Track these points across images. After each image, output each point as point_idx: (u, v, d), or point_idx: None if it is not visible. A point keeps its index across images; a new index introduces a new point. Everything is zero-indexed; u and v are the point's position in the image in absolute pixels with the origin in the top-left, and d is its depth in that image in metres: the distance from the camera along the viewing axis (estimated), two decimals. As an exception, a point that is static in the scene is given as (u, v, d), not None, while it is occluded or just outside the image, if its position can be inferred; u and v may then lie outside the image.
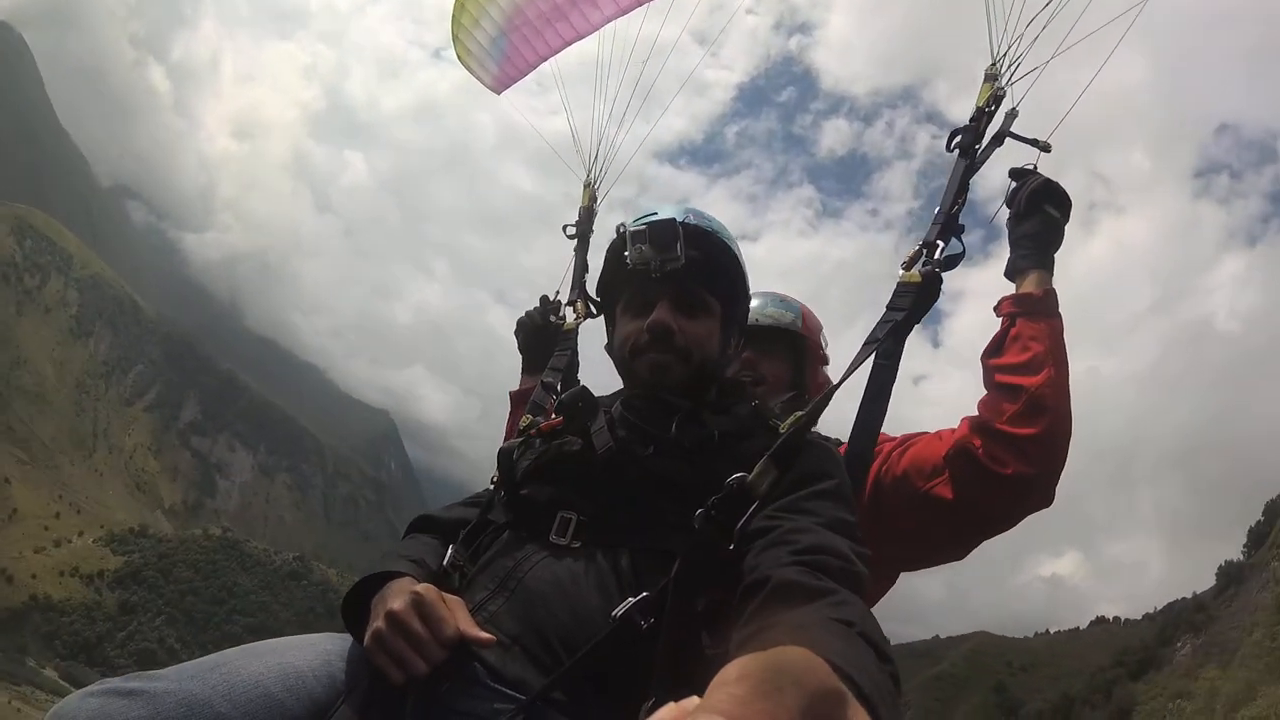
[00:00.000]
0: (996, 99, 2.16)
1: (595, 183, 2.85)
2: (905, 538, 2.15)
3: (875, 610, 2.01)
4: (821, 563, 1.30)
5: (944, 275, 2.01)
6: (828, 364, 2.72)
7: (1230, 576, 78.38)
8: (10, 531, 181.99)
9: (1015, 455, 1.97)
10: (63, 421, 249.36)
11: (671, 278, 1.84)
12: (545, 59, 3.22)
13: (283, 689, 1.44)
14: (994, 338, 2.12)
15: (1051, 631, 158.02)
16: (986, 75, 2.19)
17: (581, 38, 3.07)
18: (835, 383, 1.85)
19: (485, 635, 1.47)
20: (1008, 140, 2.17)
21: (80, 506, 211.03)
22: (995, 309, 2.16)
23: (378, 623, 1.48)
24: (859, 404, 1.96)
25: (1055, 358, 2.02)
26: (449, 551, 1.73)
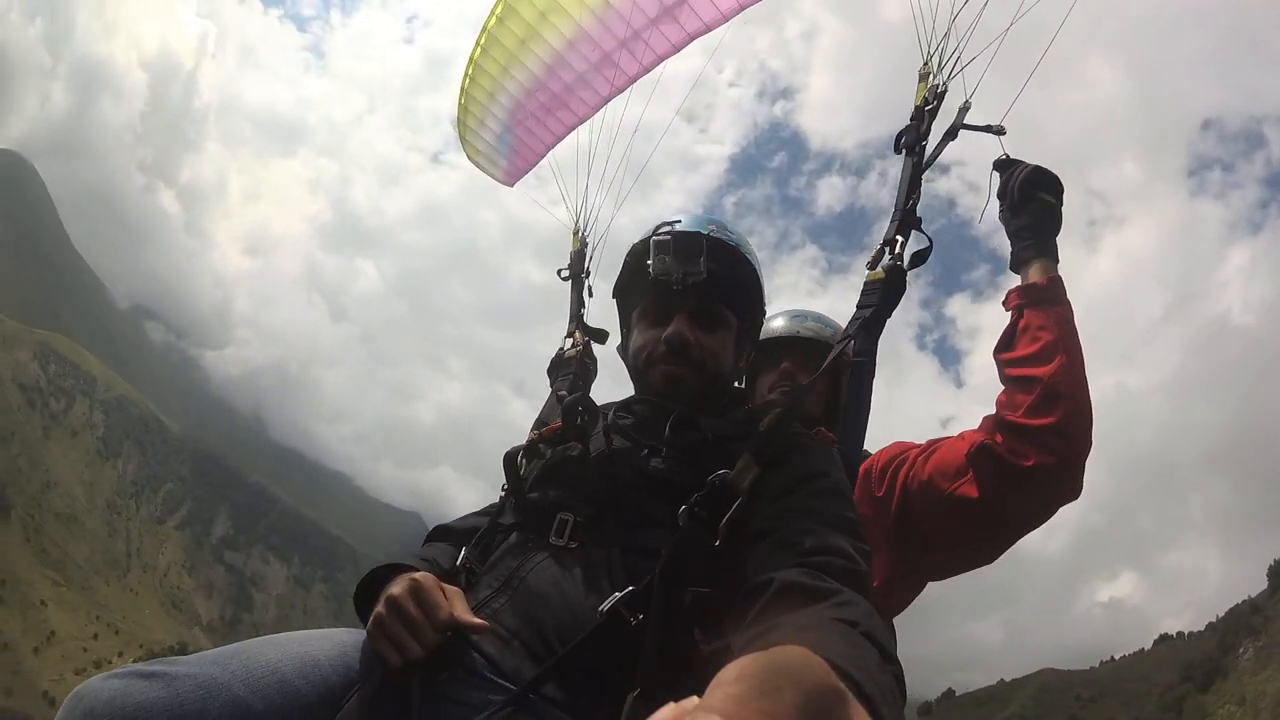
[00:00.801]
0: (937, 96, 2.21)
1: (583, 230, 3.06)
2: (936, 543, 2.16)
3: (901, 621, 2.25)
4: (824, 563, 1.31)
5: (910, 270, 2.04)
6: None
7: (1281, 573, 76.43)
8: (49, 654, 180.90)
9: (1035, 447, 1.96)
10: (95, 542, 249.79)
11: (692, 290, 1.88)
12: (551, 148, 3.34)
13: (299, 676, 1.47)
14: (1004, 332, 2.11)
15: (1116, 657, 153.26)
16: (920, 75, 2.26)
17: (582, 122, 3.20)
18: (809, 381, 1.87)
19: (478, 621, 1.52)
20: (959, 132, 2.22)
21: (118, 627, 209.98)
22: (1003, 303, 2.16)
23: (378, 607, 1.56)
24: (844, 404, 1.99)
25: (1066, 345, 2.00)
26: (461, 554, 1.82)
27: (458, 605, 1.55)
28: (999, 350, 2.11)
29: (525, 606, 1.57)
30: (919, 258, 2.08)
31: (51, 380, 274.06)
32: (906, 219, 2.10)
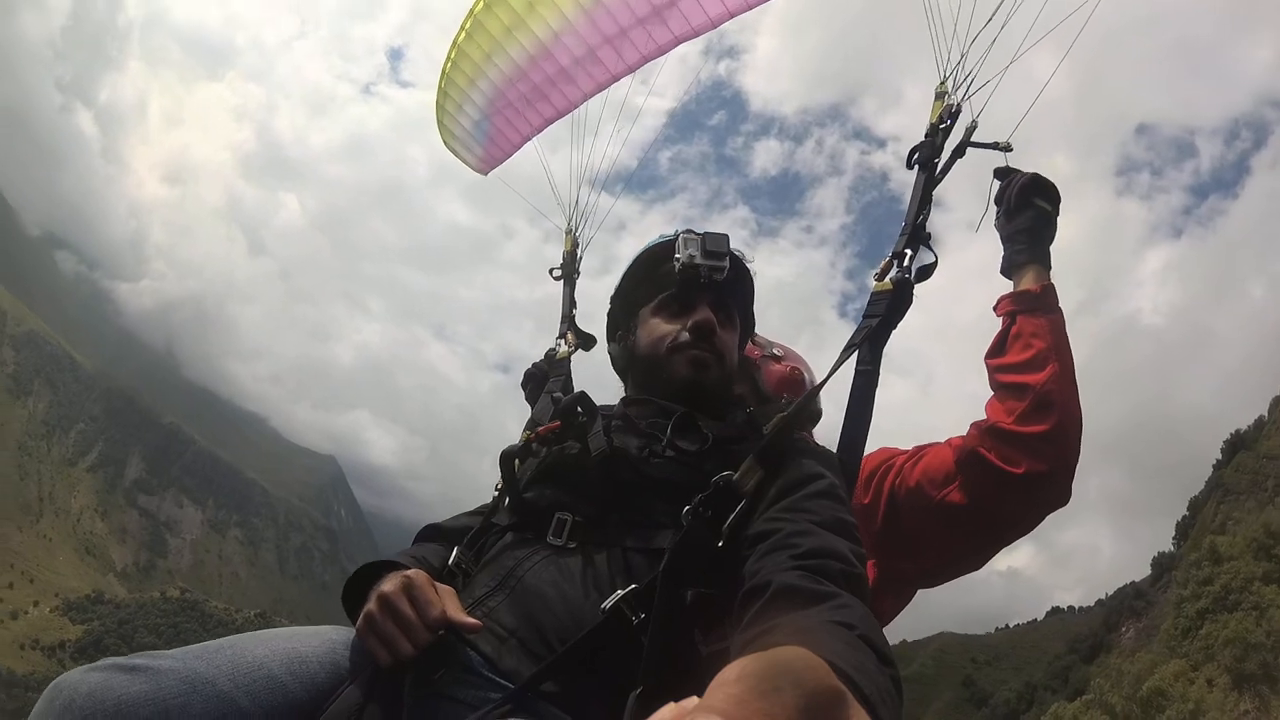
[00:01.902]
0: (952, 114, 2.24)
1: (576, 229, 3.03)
2: (923, 550, 2.20)
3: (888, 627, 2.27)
4: (822, 566, 1.31)
5: (917, 285, 2.05)
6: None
7: (1163, 566, 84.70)
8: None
9: (1027, 454, 1.99)
10: (6, 486, 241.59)
11: (714, 286, 1.98)
12: (528, 139, 3.32)
13: (286, 672, 1.46)
14: (996, 337, 2.14)
15: (1011, 625, 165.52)
16: (937, 94, 2.28)
17: (561, 115, 3.19)
18: (815, 385, 1.92)
19: (471, 620, 1.51)
20: (968, 150, 2.26)
21: (32, 575, 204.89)
22: (994, 308, 2.18)
23: (369, 605, 1.54)
24: (844, 411, 2.00)
25: (1059, 353, 2.04)
26: (453, 553, 1.80)
27: (450, 604, 1.53)
28: (990, 356, 2.13)
29: (523, 605, 1.56)
30: (925, 272, 2.09)
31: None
32: (916, 234, 2.12)
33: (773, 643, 0.86)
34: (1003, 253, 2.23)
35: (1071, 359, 2.06)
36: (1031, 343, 2.04)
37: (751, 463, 1.61)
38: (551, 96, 3.19)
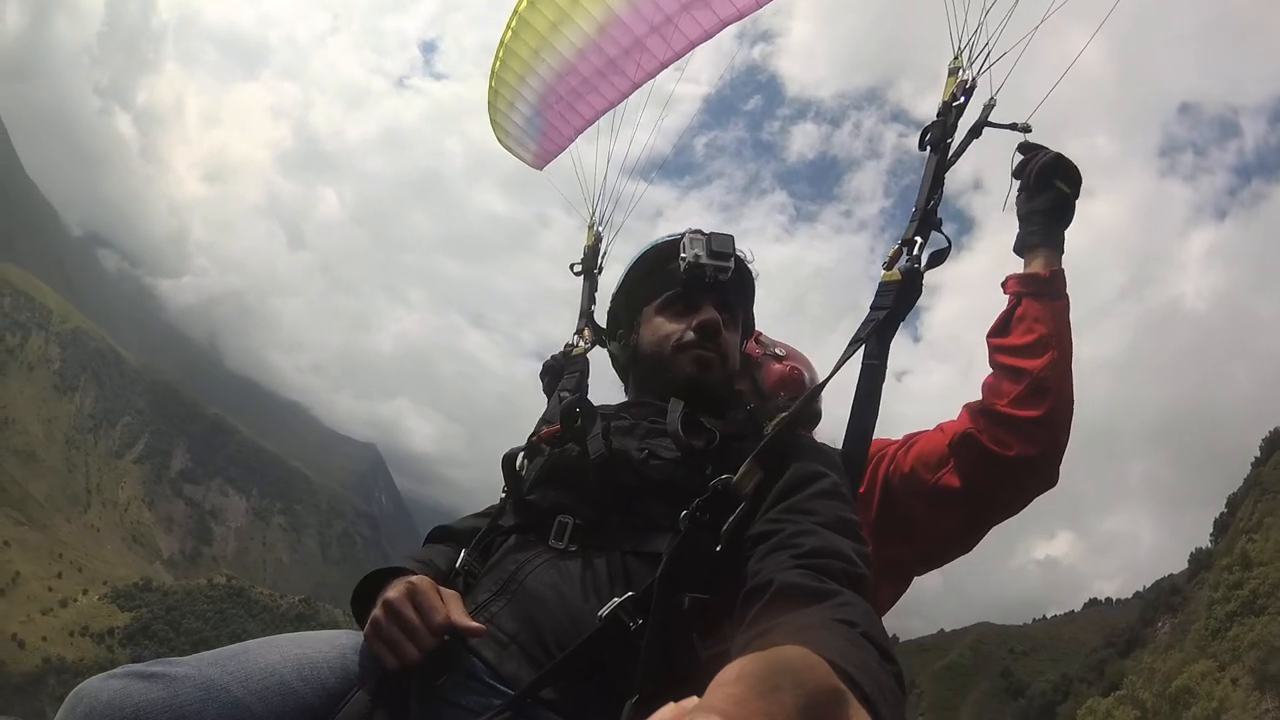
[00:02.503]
0: (966, 91, 2.15)
1: (599, 223, 3.01)
2: (918, 535, 2.19)
3: (888, 613, 2.32)
4: (824, 565, 1.30)
5: (927, 272, 2.00)
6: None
7: (1200, 562, 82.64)
8: (15, 595, 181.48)
9: (1018, 437, 2.00)
10: (55, 479, 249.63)
11: (718, 287, 1.97)
12: (581, 131, 3.34)
13: (297, 678, 1.49)
14: (1000, 316, 2.12)
15: (1048, 616, 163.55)
16: (950, 70, 2.21)
17: (613, 106, 3.20)
18: (819, 383, 1.85)
19: (475, 625, 1.52)
20: (984, 130, 2.17)
21: (81, 565, 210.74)
22: (1002, 285, 2.17)
23: (375, 611, 1.57)
24: (850, 406, 1.98)
25: (1059, 340, 2.02)
26: (461, 556, 1.81)
27: (454, 609, 1.55)
28: (993, 334, 2.12)
29: (524, 610, 1.56)
30: (937, 258, 2.05)
31: (6, 314, 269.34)
32: (927, 219, 2.07)
33: (773, 641, 0.86)
34: (1017, 231, 2.19)
35: (1070, 346, 2.05)
36: (1034, 327, 2.03)
37: (751, 465, 1.58)
38: (601, 88, 3.22)
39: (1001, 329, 2.10)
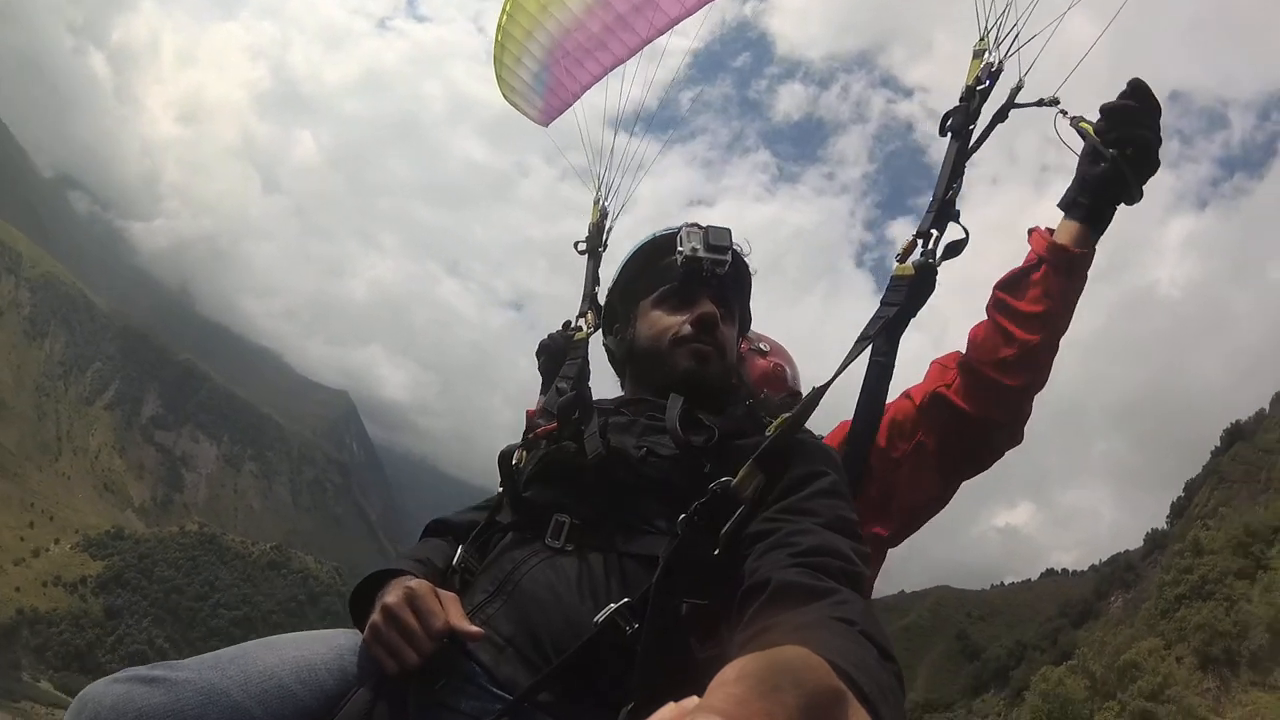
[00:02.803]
0: (992, 75, 2.05)
1: (604, 199, 2.93)
2: (896, 507, 2.16)
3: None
4: (823, 564, 1.30)
5: (942, 264, 1.95)
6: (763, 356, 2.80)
7: (1155, 542, 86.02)
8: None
9: (992, 400, 2.01)
10: (25, 427, 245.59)
11: (716, 280, 1.95)
12: (588, 88, 3.29)
13: (296, 681, 1.49)
14: (1016, 271, 2.04)
15: (1006, 583, 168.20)
16: (975, 52, 2.09)
17: (621, 63, 3.14)
18: (824, 383, 1.78)
19: (473, 629, 1.51)
20: (1009, 114, 2.08)
21: (53, 513, 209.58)
22: (1029, 231, 2.08)
23: (374, 615, 1.56)
24: (856, 403, 1.97)
25: (1060, 321, 2.01)
26: (459, 552, 1.79)
27: (453, 612, 1.54)
28: (1003, 287, 2.03)
29: (520, 612, 1.56)
30: (953, 250, 1.95)
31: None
32: (945, 210, 1.96)
33: (772, 640, 0.86)
34: (1072, 183, 2.03)
35: (1066, 328, 2.03)
36: (1042, 300, 1.98)
37: (751, 467, 1.56)
38: (610, 44, 3.15)
39: (1013, 285, 2.03)
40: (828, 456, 1.69)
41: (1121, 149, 1.93)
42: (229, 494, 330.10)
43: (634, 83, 3.05)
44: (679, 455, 1.67)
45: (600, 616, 1.45)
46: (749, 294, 2.12)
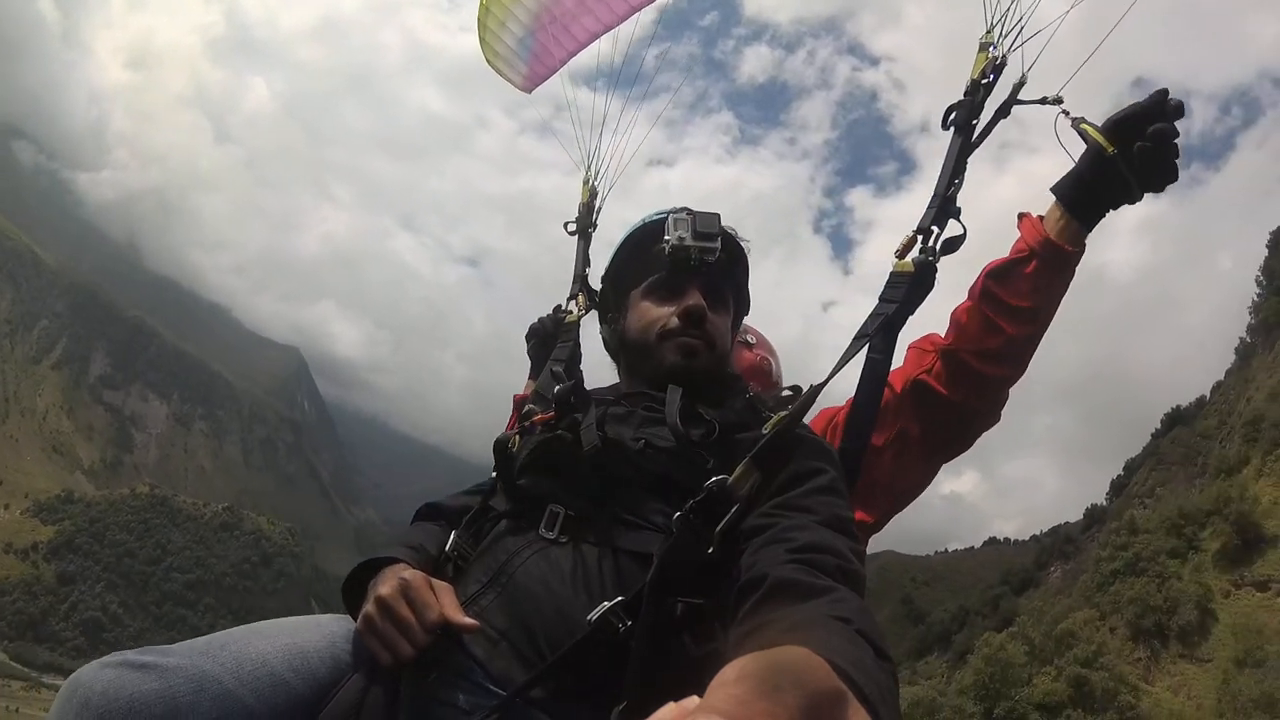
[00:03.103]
0: (996, 69, 2.01)
1: (594, 178, 2.82)
2: (880, 494, 2.15)
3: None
4: (819, 561, 1.29)
5: (940, 260, 1.92)
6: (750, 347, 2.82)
7: (1094, 517, 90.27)
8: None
9: (970, 386, 2.02)
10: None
11: (704, 269, 1.89)
12: (573, 54, 3.20)
13: (288, 668, 1.48)
14: (1007, 260, 2.01)
15: (950, 550, 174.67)
16: (980, 45, 2.05)
17: (607, 30, 3.05)
18: (821, 380, 1.76)
19: (468, 621, 1.50)
20: (1012, 110, 2.04)
21: (1, 478, 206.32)
22: (1018, 220, 2.05)
23: (368, 606, 1.54)
24: (852, 400, 1.95)
25: (1046, 316, 2.02)
26: (451, 538, 1.76)
27: (448, 603, 1.52)
28: (994, 275, 2.00)
29: (514, 605, 1.54)
30: (951, 245, 1.93)
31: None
32: (945, 206, 1.93)
33: (769, 638, 0.86)
34: (1070, 175, 1.98)
35: (1050, 322, 2.05)
36: (1032, 296, 1.98)
37: (748, 466, 1.55)
38: (598, 10, 3.10)
39: (1002, 275, 2.01)
40: (826, 453, 1.68)
41: (1127, 156, 1.87)
42: (179, 454, 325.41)
43: (619, 50, 3.01)
44: (678, 449, 1.65)
45: (594, 615, 1.43)
46: (745, 278, 2.07)
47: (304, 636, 1.57)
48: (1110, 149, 1.88)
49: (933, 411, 2.06)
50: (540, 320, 2.54)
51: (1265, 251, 72.82)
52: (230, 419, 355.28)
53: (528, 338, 2.55)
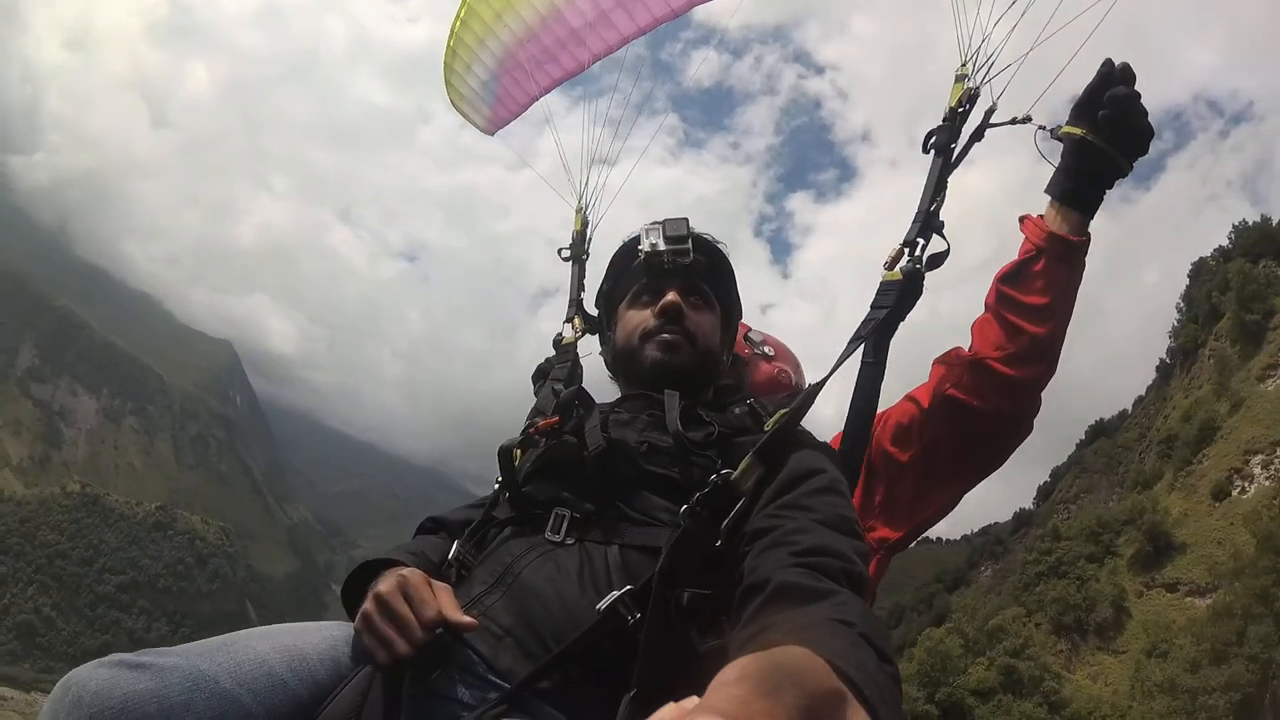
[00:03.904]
0: (971, 98, 2.15)
1: (587, 207, 2.88)
2: (900, 514, 2.13)
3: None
4: (822, 564, 1.29)
5: (926, 273, 1.99)
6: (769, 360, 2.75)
7: (1022, 520, 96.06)
8: None
9: (1000, 392, 1.99)
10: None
11: (681, 270, 1.97)
12: (535, 99, 3.26)
13: (287, 670, 1.47)
14: (1016, 263, 2.05)
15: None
16: (956, 76, 2.19)
17: (570, 77, 3.13)
18: (820, 380, 1.80)
19: (466, 619, 1.49)
20: (985, 134, 2.15)
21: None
22: (1021, 222, 2.10)
23: (366, 604, 1.55)
24: (849, 405, 1.97)
25: (1064, 311, 2.02)
26: (454, 547, 1.77)
27: (446, 602, 1.52)
28: (1004, 280, 2.04)
29: (519, 603, 1.54)
30: (936, 260, 2.00)
31: None
32: (929, 221, 2.02)
33: (772, 641, 0.86)
34: (1058, 172, 2.06)
35: (1071, 316, 2.04)
36: (1048, 291, 1.99)
37: (751, 460, 1.58)
38: (561, 58, 3.15)
39: (1014, 277, 2.04)
40: (828, 454, 1.71)
41: (1097, 130, 1.97)
42: (109, 450, 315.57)
43: (628, 105, 3.01)
44: (679, 450, 1.69)
45: (603, 604, 1.45)
46: (731, 280, 2.12)
47: (304, 639, 1.56)
48: (1080, 132, 1.97)
49: (964, 426, 2.03)
50: (547, 360, 2.54)
51: (1186, 279, 78.07)
52: (161, 415, 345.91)
53: (534, 379, 2.53)
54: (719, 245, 2.09)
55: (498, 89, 3.38)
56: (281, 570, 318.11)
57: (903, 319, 1.96)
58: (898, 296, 1.94)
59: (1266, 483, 50.49)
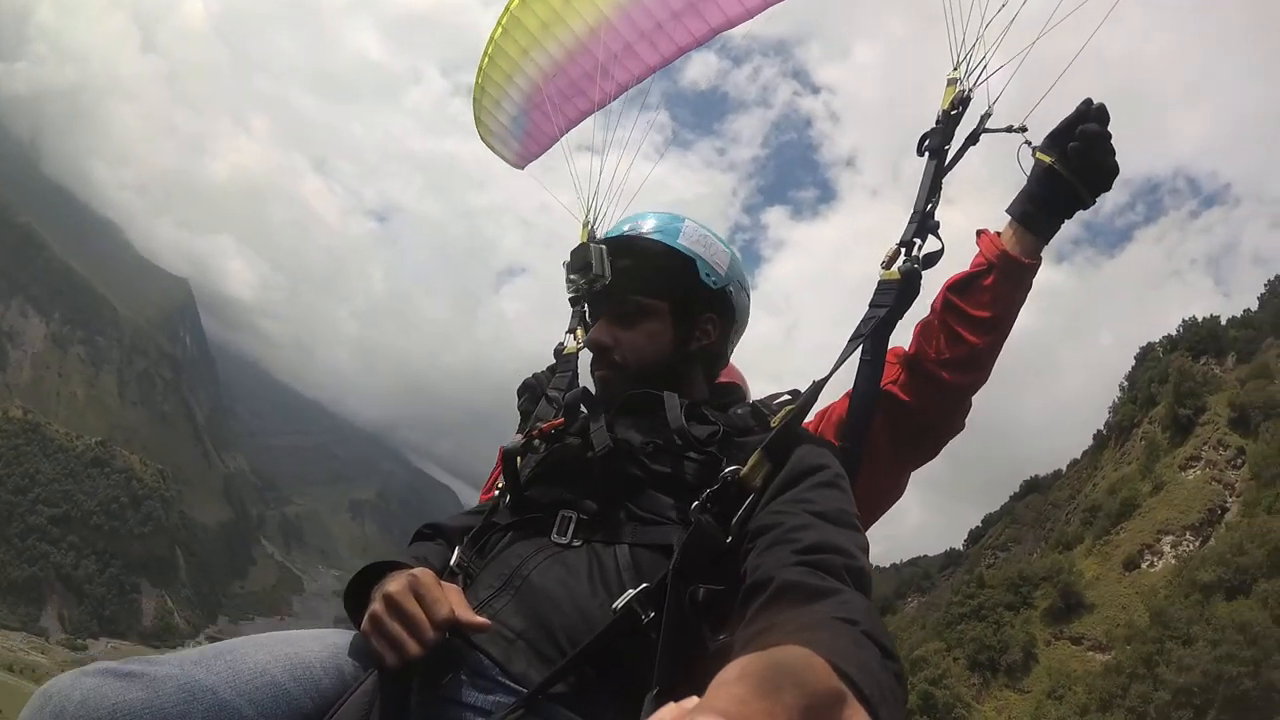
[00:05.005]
0: (963, 102, 2.17)
1: (594, 222, 2.85)
2: (860, 501, 2.01)
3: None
4: (824, 561, 1.28)
5: (923, 273, 2.01)
6: None
7: (952, 559, 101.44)
8: None
9: (933, 393, 2.07)
10: None
11: (602, 295, 1.94)
12: (565, 132, 3.27)
13: (289, 679, 1.42)
14: (966, 274, 2.11)
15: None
16: (949, 80, 2.21)
17: (597, 109, 3.09)
18: (823, 377, 1.81)
19: (479, 619, 1.46)
20: (980, 138, 2.17)
21: None
22: (977, 235, 2.15)
23: (374, 605, 1.50)
24: (848, 403, 1.99)
25: (1005, 327, 2.08)
26: (455, 553, 1.75)
27: (458, 603, 1.48)
28: (953, 288, 2.10)
29: (530, 606, 1.51)
30: (931, 259, 2.02)
31: None
32: (924, 222, 2.04)
33: (774, 640, 0.86)
34: (1021, 194, 2.10)
35: (1009, 333, 2.11)
36: (992, 306, 2.05)
37: (760, 457, 1.57)
38: (588, 91, 3.15)
39: (963, 288, 2.09)
40: (829, 450, 1.71)
41: (1065, 161, 2.01)
42: (53, 377, 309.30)
43: (637, 126, 3.02)
44: (685, 448, 1.68)
45: (619, 603, 1.43)
46: (662, 266, 1.95)
47: (305, 646, 1.52)
48: (1049, 160, 2.03)
49: (898, 419, 2.10)
50: (535, 375, 2.45)
51: (1134, 360, 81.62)
52: (110, 346, 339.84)
53: (519, 392, 2.44)
54: (640, 235, 1.97)
55: (527, 124, 3.45)
56: (214, 519, 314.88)
57: (901, 317, 1.99)
58: (896, 295, 1.96)
59: (1173, 561, 56.11)
